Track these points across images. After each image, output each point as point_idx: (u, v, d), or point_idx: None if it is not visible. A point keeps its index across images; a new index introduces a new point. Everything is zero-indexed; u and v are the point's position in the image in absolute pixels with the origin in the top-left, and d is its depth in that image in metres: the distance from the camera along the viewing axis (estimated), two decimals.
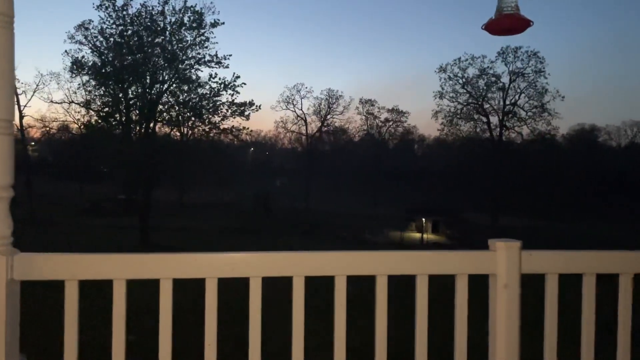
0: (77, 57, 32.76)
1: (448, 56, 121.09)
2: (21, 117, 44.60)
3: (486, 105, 56.18)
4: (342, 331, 1.90)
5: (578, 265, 2.00)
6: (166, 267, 1.80)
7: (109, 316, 1.77)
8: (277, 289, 2.31)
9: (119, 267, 1.78)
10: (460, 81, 56.14)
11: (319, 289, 2.33)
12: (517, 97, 55.09)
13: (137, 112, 33.95)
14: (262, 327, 1.86)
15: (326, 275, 1.88)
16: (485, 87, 55.73)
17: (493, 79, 55.19)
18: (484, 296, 1.98)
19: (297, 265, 1.88)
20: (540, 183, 56.26)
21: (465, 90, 56.38)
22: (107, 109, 33.46)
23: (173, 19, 32.33)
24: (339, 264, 1.90)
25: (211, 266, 1.83)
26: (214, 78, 32.69)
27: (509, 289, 1.92)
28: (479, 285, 2.07)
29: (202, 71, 35.33)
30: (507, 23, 2.05)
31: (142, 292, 2.61)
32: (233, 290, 2.56)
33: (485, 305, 1.98)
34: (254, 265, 1.85)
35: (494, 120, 56.03)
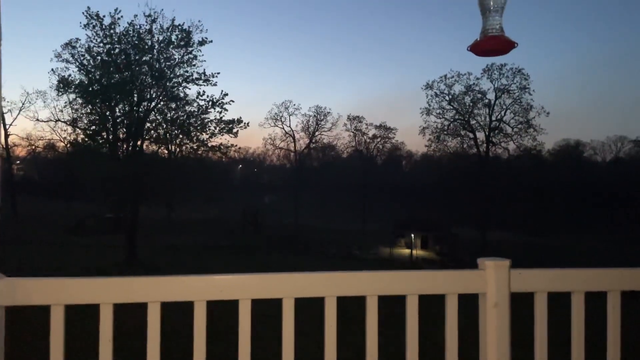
0: (64, 76, 32.62)
1: (434, 73, 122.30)
2: (6, 135, 44.35)
3: (472, 122, 56.83)
4: (333, 353, 1.88)
5: (567, 284, 2.01)
6: (154, 291, 1.78)
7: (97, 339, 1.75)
8: (269, 306, 2.29)
9: (106, 291, 1.76)
10: (447, 98, 56.83)
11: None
12: (502, 113, 55.81)
13: (125, 130, 33.79)
14: (253, 348, 1.84)
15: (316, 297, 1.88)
16: (471, 104, 56.43)
17: (479, 95, 55.94)
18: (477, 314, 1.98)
19: (287, 286, 1.86)
20: (527, 198, 56.74)
21: (451, 107, 57.05)
22: (94, 127, 33.26)
23: (161, 37, 32.38)
24: (329, 285, 1.89)
25: (199, 289, 1.81)
26: (201, 96, 32.70)
27: (499, 308, 1.92)
28: (472, 302, 2.07)
29: (190, 89, 35.41)
30: (491, 44, 2.09)
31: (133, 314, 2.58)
32: (223, 311, 2.53)
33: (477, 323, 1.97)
34: (242, 288, 1.84)
35: (481, 136, 56.68)
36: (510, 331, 1.94)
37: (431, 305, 2.37)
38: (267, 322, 2.88)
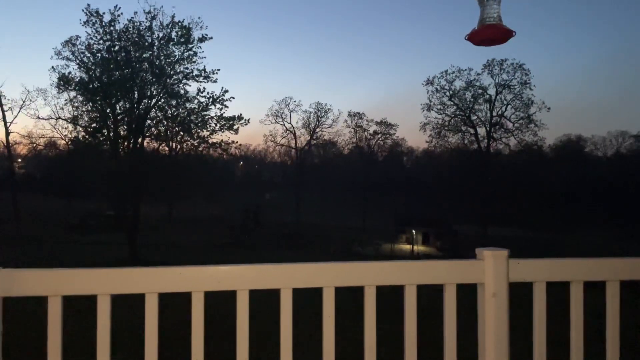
0: (64, 73, 32.65)
1: (435, 69, 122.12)
2: (7, 133, 44.29)
3: (473, 117, 56.66)
4: (331, 343, 1.88)
5: (565, 273, 2.00)
6: (151, 281, 1.78)
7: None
8: (267, 299, 2.29)
9: (103, 282, 1.75)
10: (448, 93, 56.64)
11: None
12: (503, 108, 55.65)
13: (125, 127, 33.79)
14: (252, 340, 1.84)
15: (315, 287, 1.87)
16: (472, 99, 56.24)
17: (480, 91, 55.71)
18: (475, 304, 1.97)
19: (285, 277, 1.86)
20: (529, 193, 56.65)
21: (452, 103, 56.85)
22: (94, 125, 33.29)
23: (161, 34, 32.37)
24: (327, 276, 1.88)
25: (197, 279, 1.81)
26: (202, 92, 32.69)
27: (497, 297, 1.92)
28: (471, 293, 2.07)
29: (190, 86, 35.36)
30: (489, 33, 2.07)
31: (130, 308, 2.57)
32: (221, 303, 2.53)
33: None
34: (240, 278, 1.83)
35: (482, 131, 56.50)
36: (508, 321, 1.93)
37: (429, 296, 2.36)
38: (265, 313, 2.88)
